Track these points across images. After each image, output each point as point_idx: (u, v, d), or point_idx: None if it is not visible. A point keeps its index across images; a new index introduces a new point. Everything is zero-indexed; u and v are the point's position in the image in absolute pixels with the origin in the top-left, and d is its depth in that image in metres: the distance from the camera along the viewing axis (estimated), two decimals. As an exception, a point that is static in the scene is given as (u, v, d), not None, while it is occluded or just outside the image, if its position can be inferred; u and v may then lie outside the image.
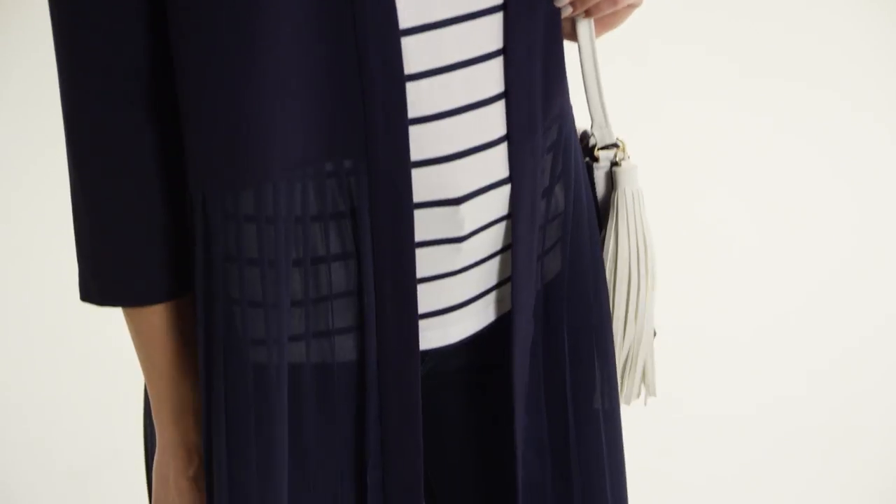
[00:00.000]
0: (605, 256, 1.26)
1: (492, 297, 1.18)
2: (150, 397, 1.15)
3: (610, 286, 1.26)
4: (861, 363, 2.91)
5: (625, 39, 1.65)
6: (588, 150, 1.27)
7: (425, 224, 1.09)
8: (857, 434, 2.72)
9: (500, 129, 1.11)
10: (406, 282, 1.08)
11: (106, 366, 2.58)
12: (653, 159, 2.03)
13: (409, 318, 1.09)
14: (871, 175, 3.37)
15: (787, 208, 3.35)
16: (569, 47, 1.21)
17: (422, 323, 1.12)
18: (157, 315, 1.11)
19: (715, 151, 3.42)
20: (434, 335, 1.14)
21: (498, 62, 1.10)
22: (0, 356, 3.09)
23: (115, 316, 1.15)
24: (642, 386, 1.32)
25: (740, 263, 3.21)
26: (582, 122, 1.27)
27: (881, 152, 3.40)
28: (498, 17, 1.09)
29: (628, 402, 1.32)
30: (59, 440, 2.81)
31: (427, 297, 1.12)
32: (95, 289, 1.11)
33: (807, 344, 2.97)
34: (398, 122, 1.05)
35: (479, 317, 1.17)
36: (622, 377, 1.30)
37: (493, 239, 1.14)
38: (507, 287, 1.18)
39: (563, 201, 1.19)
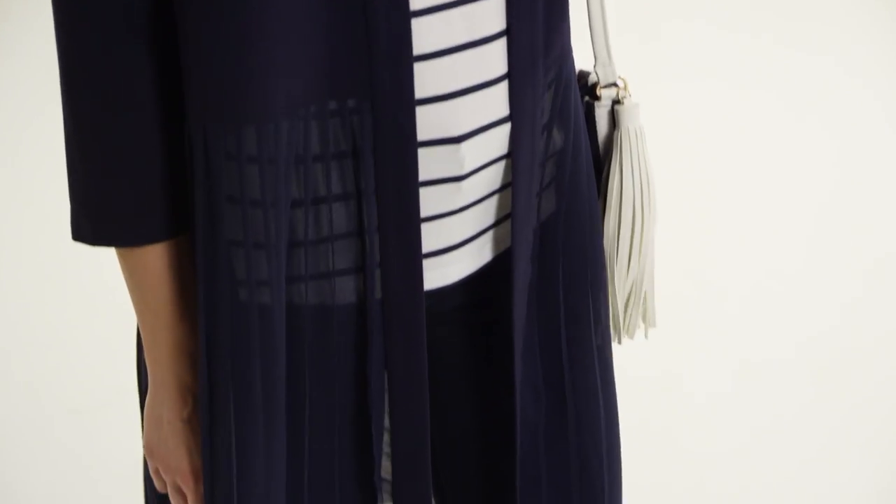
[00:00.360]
0: (609, 194, 1.27)
1: (489, 236, 1.17)
2: (143, 338, 1.14)
3: (615, 223, 1.27)
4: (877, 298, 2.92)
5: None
6: (588, 90, 1.27)
7: (426, 163, 1.08)
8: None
9: (501, 68, 1.10)
10: (410, 221, 1.08)
11: (107, 303, 2.58)
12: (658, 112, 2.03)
13: (414, 258, 1.09)
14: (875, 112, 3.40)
15: (789, 157, 3.36)
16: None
17: (423, 263, 1.11)
18: (151, 255, 1.10)
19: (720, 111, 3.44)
20: (433, 275, 1.14)
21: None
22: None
23: (113, 253, 1.14)
24: (643, 320, 1.34)
25: (747, 209, 3.22)
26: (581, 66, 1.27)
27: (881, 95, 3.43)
28: None
29: (631, 336, 1.33)
30: (60, 378, 2.82)
31: (427, 237, 1.11)
32: (88, 228, 1.10)
33: (814, 288, 2.98)
34: (403, 60, 1.04)
35: (477, 257, 1.17)
36: (625, 311, 1.31)
37: (492, 178, 1.14)
38: (504, 226, 1.17)
39: (560, 140, 1.19)
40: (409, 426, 1.13)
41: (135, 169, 1.07)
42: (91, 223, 1.10)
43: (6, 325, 2.98)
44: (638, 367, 2.35)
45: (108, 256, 1.15)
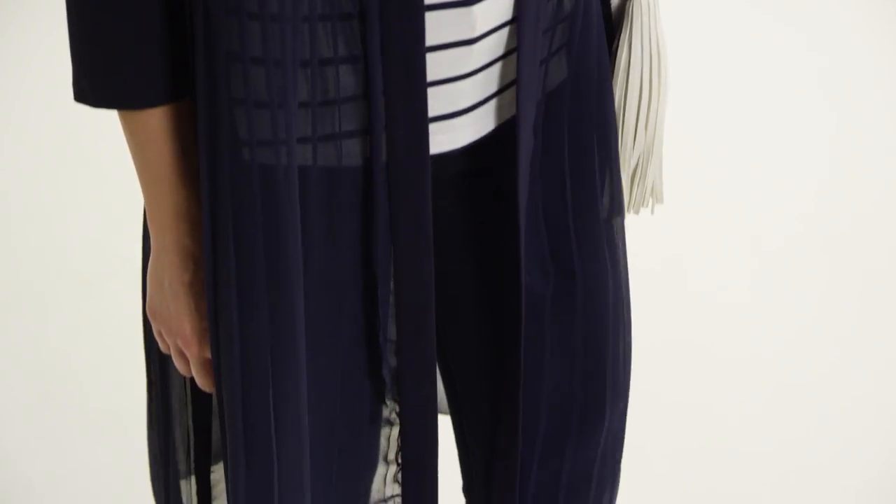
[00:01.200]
0: (617, 65, 1.25)
1: (494, 103, 1.16)
2: (145, 202, 1.14)
3: (621, 94, 1.26)
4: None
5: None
6: (604, -45, 1.25)
7: (438, 26, 1.07)
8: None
9: None
10: (417, 86, 1.07)
11: (116, 172, 2.59)
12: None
13: (420, 121, 1.08)
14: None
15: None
16: None
17: (433, 126, 1.11)
18: (154, 118, 1.09)
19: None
20: (443, 139, 1.13)
21: None
22: (7, 163, 3.10)
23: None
24: (650, 195, 1.33)
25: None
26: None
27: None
28: None
29: (637, 211, 1.33)
30: (69, 247, 2.83)
31: (439, 101, 1.11)
32: (90, 90, 1.09)
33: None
34: None
35: (485, 122, 1.16)
36: (631, 186, 1.31)
37: (500, 42, 1.13)
38: (509, 93, 1.16)
39: (570, 5, 1.17)
40: (414, 287, 1.13)
41: (135, 30, 1.06)
42: (92, 85, 1.09)
43: (18, 193, 2.99)
44: (644, 252, 2.34)
45: (115, 121, 1.15)
